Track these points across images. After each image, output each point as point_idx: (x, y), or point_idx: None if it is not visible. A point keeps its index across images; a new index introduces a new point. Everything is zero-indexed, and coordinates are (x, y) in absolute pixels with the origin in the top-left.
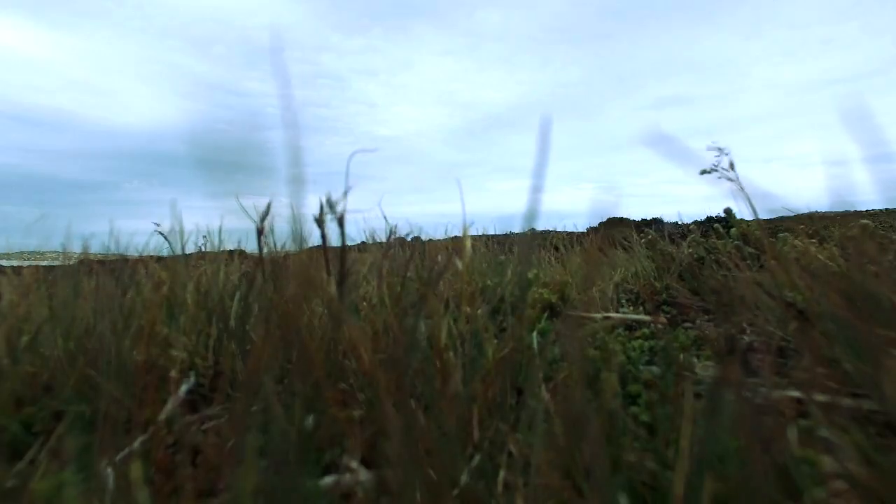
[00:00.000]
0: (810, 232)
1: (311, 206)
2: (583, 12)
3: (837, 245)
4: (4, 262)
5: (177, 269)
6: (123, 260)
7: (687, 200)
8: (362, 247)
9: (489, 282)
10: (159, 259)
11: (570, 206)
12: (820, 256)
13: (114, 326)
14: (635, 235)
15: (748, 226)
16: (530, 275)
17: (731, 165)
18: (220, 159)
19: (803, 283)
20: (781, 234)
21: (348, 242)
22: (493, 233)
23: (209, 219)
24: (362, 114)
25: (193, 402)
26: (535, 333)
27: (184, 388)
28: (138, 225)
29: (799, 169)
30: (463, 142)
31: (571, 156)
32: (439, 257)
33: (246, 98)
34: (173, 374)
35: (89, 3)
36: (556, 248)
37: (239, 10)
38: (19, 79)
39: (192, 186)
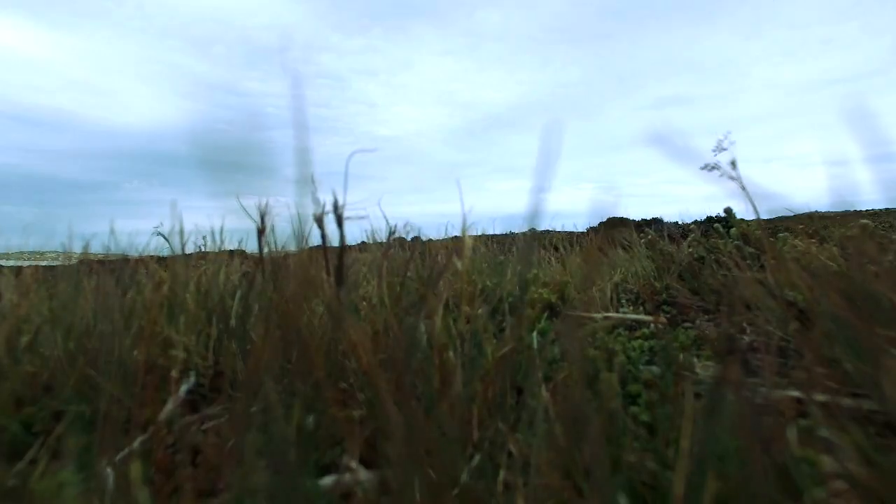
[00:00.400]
0: (810, 232)
1: (312, 206)
2: (583, 12)
3: (837, 245)
4: (4, 262)
5: (177, 270)
6: (124, 260)
7: (687, 200)
8: (362, 247)
9: (489, 282)
10: (160, 259)
11: (570, 206)
12: (820, 256)
13: (114, 326)
14: (635, 235)
15: (748, 226)
16: (530, 275)
17: (733, 164)
18: (220, 159)
19: (803, 283)
20: (781, 234)
21: (348, 242)
22: (493, 233)
23: (210, 219)
24: (362, 114)
25: (194, 402)
26: (534, 333)
27: (184, 388)
28: (138, 225)
29: (799, 169)
30: (463, 142)
31: (571, 156)
32: (439, 257)
33: (246, 98)
34: (174, 373)
35: (89, 3)
36: (556, 248)
37: (239, 10)
38: (19, 79)
39: (192, 186)
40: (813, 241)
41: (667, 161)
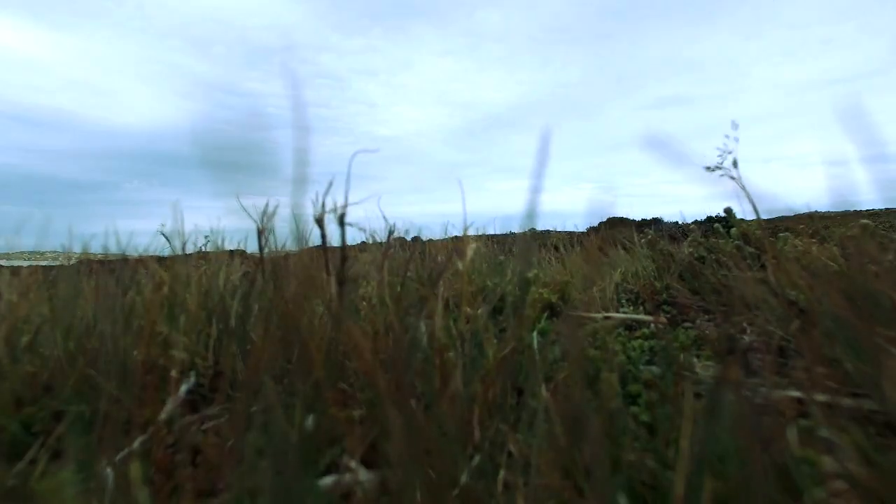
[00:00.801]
0: (811, 232)
1: (313, 207)
2: (583, 12)
3: (838, 245)
4: (4, 263)
5: (177, 270)
6: (124, 260)
7: (687, 200)
8: (362, 247)
9: (489, 282)
10: (160, 259)
11: (570, 206)
12: (821, 256)
13: (114, 326)
14: (636, 235)
15: (748, 225)
16: (530, 275)
17: (735, 163)
18: (220, 159)
19: (804, 283)
20: (782, 234)
21: (348, 242)
22: (493, 233)
23: (210, 219)
24: (362, 114)
25: (193, 402)
26: (535, 333)
27: (184, 388)
28: (138, 225)
29: (799, 169)
30: (463, 142)
31: (571, 156)
32: (439, 258)
33: (246, 98)
34: (173, 374)
35: (89, 3)
36: (556, 248)
37: (239, 10)
38: (19, 79)
39: (192, 186)
40: (813, 241)
41: (665, 165)
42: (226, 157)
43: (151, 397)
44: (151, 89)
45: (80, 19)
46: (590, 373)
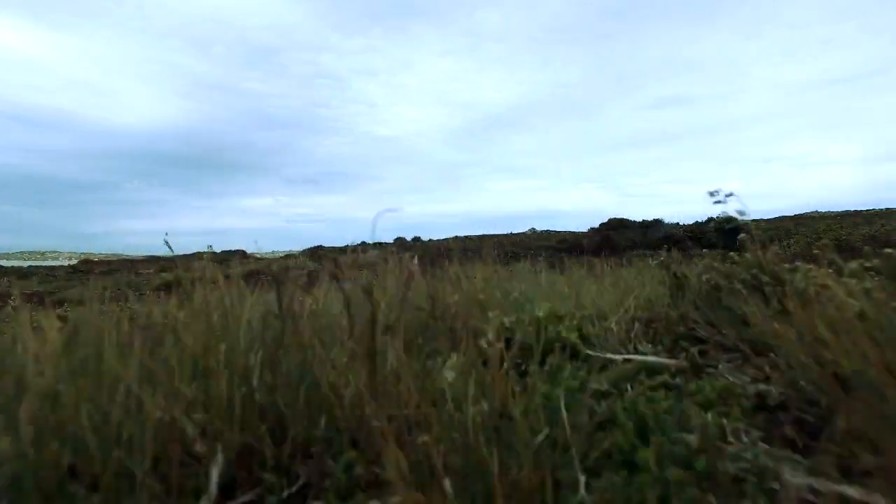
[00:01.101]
0: (828, 261)
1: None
2: (583, 12)
3: (854, 276)
4: (4, 262)
5: (196, 329)
6: (128, 261)
7: (687, 201)
8: (363, 247)
9: (506, 320)
10: (159, 259)
11: (571, 206)
12: (840, 293)
13: (138, 397)
14: (650, 260)
15: (757, 228)
16: (542, 313)
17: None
18: (220, 159)
19: (830, 336)
20: (799, 266)
21: (347, 243)
22: (493, 232)
23: (209, 218)
24: (362, 114)
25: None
26: (562, 391)
27: (214, 475)
28: (138, 225)
29: (799, 169)
30: (463, 142)
31: (571, 156)
32: (455, 296)
33: (246, 98)
34: (199, 449)
35: (89, 3)
36: (559, 252)
37: (239, 10)
38: (19, 79)
39: (192, 186)
40: (831, 271)
41: (665, 165)
42: (226, 157)
43: (183, 483)
44: (151, 89)
45: (80, 19)
46: (626, 449)
